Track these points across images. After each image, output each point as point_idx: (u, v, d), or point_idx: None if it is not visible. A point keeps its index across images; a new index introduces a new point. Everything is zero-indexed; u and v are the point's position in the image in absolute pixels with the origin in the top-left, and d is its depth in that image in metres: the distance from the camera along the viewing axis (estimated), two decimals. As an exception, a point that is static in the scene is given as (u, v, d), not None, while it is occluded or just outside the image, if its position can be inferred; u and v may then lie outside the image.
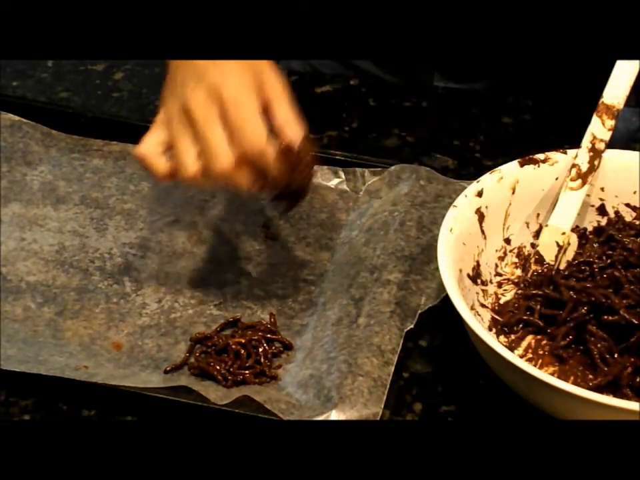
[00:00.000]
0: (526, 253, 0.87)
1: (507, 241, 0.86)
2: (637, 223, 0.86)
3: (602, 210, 0.87)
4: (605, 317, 0.78)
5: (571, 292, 0.80)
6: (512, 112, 1.04)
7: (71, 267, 0.90)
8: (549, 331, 0.81)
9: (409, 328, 0.81)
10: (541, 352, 0.80)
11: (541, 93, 1.05)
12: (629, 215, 0.87)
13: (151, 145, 0.79)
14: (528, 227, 0.87)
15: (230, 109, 0.76)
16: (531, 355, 0.80)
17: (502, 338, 0.81)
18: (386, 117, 1.04)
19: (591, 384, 0.77)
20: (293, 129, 0.78)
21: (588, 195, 0.86)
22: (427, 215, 0.90)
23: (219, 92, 0.76)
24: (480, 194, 0.84)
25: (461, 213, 0.82)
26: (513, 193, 0.85)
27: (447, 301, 0.77)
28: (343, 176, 0.96)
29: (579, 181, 0.85)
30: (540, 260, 0.84)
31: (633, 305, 0.78)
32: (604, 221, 0.87)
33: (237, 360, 0.81)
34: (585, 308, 0.79)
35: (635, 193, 0.86)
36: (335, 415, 0.75)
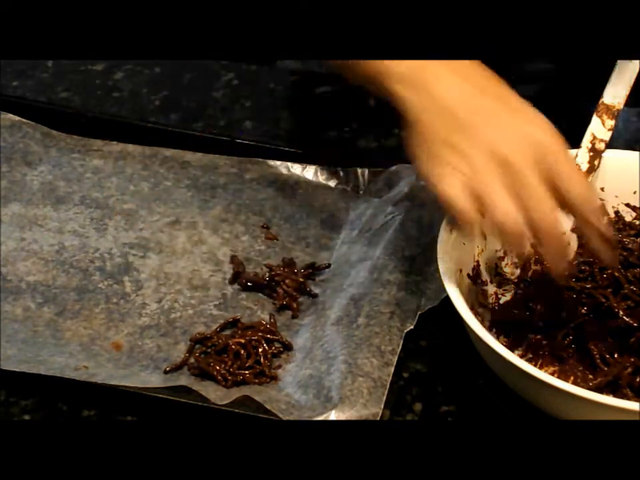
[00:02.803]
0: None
1: (507, 240, 0.86)
2: (637, 222, 0.86)
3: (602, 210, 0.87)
4: (605, 319, 0.78)
5: (571, 292, 0.80)
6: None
7: (71, 267, 0.90)
8: (548, 331, 0.81)
9: (409, 329, 0.81)
10: (540, 352, 0.80)
11: (541, 93, 1.05)
12: (629, 215, 0.87)
13: (456, 186, 0.73)
14: (528, 226, 0.87)
15: (555, 163, 0.71)
16: (531, 355, 0.80)
17: (502, 338, 0.81)
18: (386, 116, 1.04)
19: (590, 384, 0.77)
20: (590, 203, 0.73)
21: (588, 195, 0.86)
22: (427, 215, 0.90)
23: (541, 142, 0.72)
24: (480, 194, 0.83)
25: (461, 213, 0.82)
26: (513, 192, 0.85)
27: (447, 301, 0.77)
28: (343, 176, 0.96)
29: (579, 180, 0.85)
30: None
31: (632, 306, 0.78)
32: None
33: (236, 360, 0.81)
34: (585, 308, 0.79)
35: (635, 193, 0.86)
36: (334, 415, 0.75)
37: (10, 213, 0.94)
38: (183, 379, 0.79)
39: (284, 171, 0.97)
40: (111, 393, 0.78)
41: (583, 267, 0.82)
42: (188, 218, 0.93)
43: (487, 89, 0.75)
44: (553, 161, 0.72)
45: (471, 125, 0.73)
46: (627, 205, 0.87)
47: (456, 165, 0.73)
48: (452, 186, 0.73)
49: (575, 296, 0.80)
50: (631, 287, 0.79)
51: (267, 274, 0.87)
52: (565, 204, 0.73)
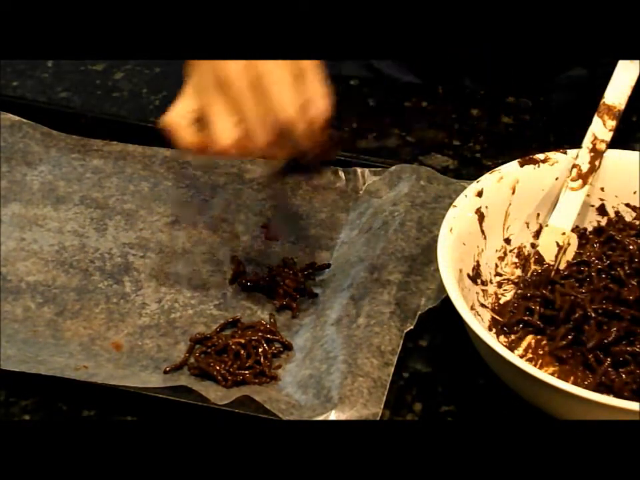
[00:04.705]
0: (526, 253, 0.87)
1: (507, 241, 0.86)
2: (637, 223, 0.86)
3: (602, 210, 0.87)
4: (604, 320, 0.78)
5: (567, 296, 0.80)
6: (512, 112, 1.04)
7: (71, 267, 0.90)
8: (548, 331, 0.81)
9: (409, 329, 0.81)
10: (540, 352, 0.80)
11: (541, 93, 1.05)
12: (628, 215, 0.87)
13: (179, 114, 0.78)
14: (528, 227, 0.87)
15: (264, 79, 0.75)
16: (530, 355, 0.80)
17: (502, 338, 0.81)
18: (386, 116, 1.04)
19: (587, 383, 0.77)
20: (319, 103, 0.77)
21: (588, 195, 0.86)
22: (427, 215, 0.90)
23: (254, 63, 0.76)
24: (480, 194, 0.84)
25: (460, 212, 0.82)
26: (513, 193, 0.85)
27: (447, 301, 0.77)
28: (343, 176, 0.96)
29: (580, 181, 0.85)
30: (540, 260, 0.84)
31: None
32: (604, 221, 0.87)
33: (236, 360, 0.81)
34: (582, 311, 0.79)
35: (635, 193, 0.86)
36: (334, 415, 0.75)
37: (10, 213, 0.94)
38: (183, 379, 0.79)
39: (284, 171, 0.97)
40: (111, 393, 0.78)
41: (582, 268, 0.82)
42: (188, 218, 0.93)
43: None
44: (266, 80, 0.76)
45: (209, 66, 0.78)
46: (627, 205, 0.87)
47: (186, 98, 0.78)
48: (176, 112, 0.78)
49: (571, 298, 0.80)
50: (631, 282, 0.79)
51: (267, 274, 0.87)
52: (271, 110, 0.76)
